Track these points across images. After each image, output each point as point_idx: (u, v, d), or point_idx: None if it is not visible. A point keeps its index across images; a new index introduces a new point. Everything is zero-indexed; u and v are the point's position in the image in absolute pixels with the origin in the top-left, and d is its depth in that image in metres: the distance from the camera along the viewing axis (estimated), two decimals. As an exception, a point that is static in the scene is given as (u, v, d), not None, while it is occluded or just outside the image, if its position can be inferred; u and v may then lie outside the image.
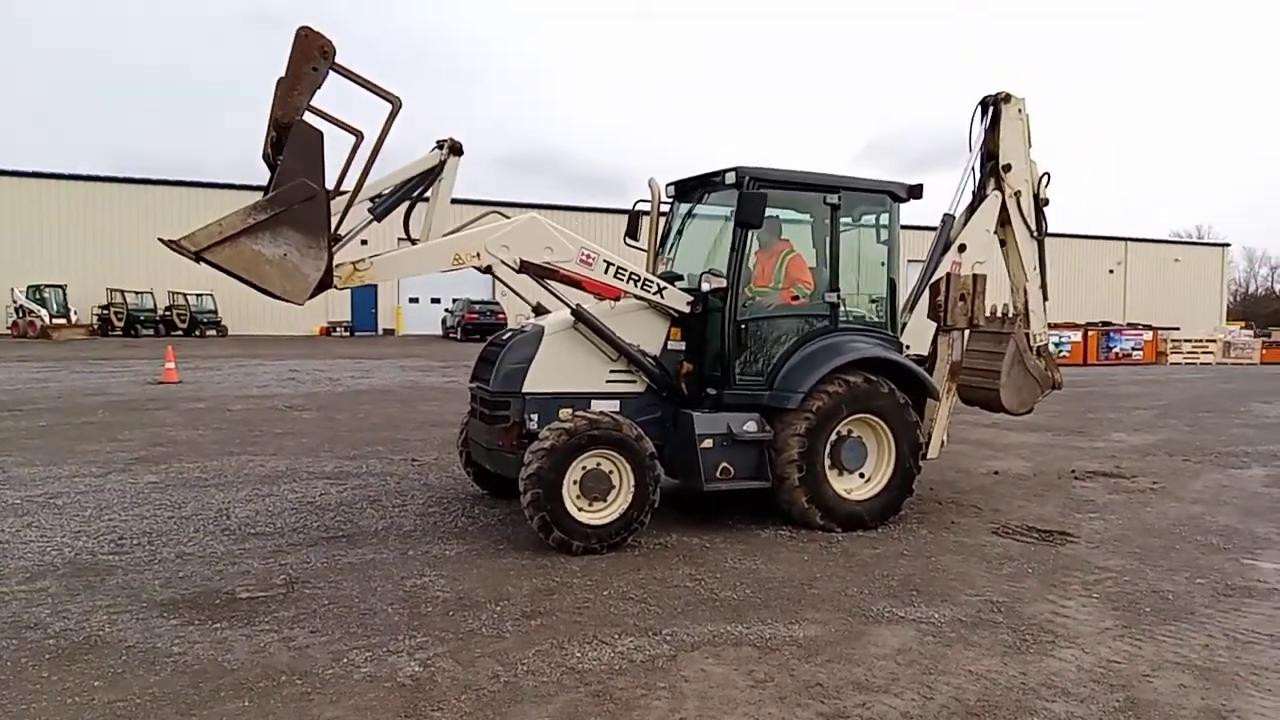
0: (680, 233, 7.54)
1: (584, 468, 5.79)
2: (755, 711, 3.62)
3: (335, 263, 5.39)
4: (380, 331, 44.98)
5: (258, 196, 5.07)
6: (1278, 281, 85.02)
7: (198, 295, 38.53)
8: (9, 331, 35.84)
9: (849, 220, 7.20)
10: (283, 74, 4.87)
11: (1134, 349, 32.37)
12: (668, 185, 7.38)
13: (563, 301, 6.31)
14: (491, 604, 4.80)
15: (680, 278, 6.96)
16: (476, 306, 38.31)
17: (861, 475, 6.75)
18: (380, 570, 5.36)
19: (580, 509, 5.78)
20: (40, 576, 5.16)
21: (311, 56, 4.81)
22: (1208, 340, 34.68)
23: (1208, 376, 25.90)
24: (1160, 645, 4.44)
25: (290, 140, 4.84)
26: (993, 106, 7.66)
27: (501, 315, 35.77)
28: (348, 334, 43.00)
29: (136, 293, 38.12)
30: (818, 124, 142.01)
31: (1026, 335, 8.01)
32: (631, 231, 7.44)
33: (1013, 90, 7.64)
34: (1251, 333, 37.58)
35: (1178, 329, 37.51)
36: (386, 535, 6.17)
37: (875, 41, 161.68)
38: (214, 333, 38.69)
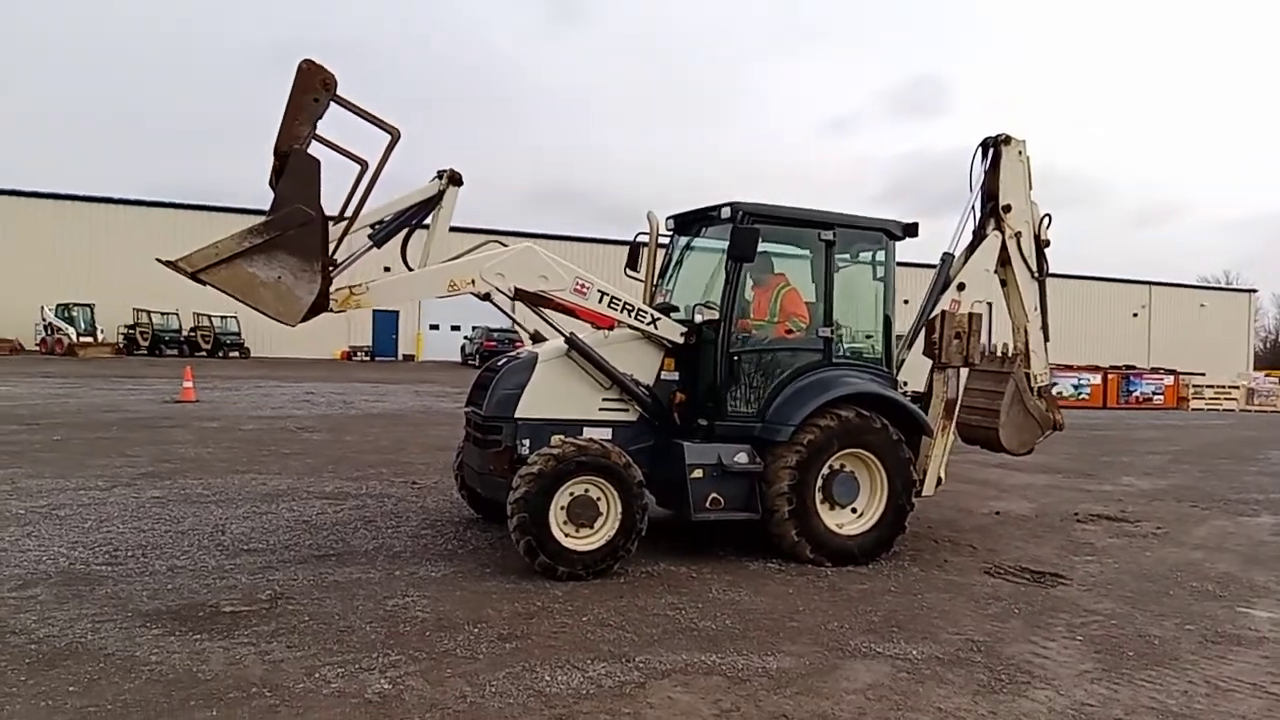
0: (679, 265, 7.64)
1: (571, 494, 5.82)
2: (716, 740, 3.62)
3: (334, 287, 5.53)
4: (400, 357, 45.41)
5: None
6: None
7: (222, 317, 39.14)
8: (38, 348, 36.55)
9: (846, 257, 7.26)
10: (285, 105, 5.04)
11: (1155, 393, 31.99)
12: (667, 218, 7.50)
13: (557, 330, 6.40)
14: (469, 626, 4.83)
15: (676, 309, 7.04)
16: (495, 334, 38.61)
17: (854, 510, 6.73)
18: (364, 589, 5.42)
19: (567, 535, 5.81)
20: (32, 584, 5.26)
21: (312, 88, 4.98)
22: (1230, 387, 34.19)
23: (1229, 423, 25.53)
24: (1138, 690, 4.38)
25: (289, 168, 5.00)
26: (993, 148, 7.73)
27: (519, 344, 36.01)
28: (368, 359, 43.44)
29: (162, 313, 38.79)
30: (842, 161, 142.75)
31: (1027, 375, 8.00)
32: (632, 263, 7.54)
33: (1013, 132, 7.71)
34: (1276, 380, 36.90)
35: (1203, 374, 37.06)
36: (375, 555, 6.24)
37: (901, 82, 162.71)
38: (237, 354, 39.25)
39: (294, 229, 4.97)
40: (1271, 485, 12.15)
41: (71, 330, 36.20)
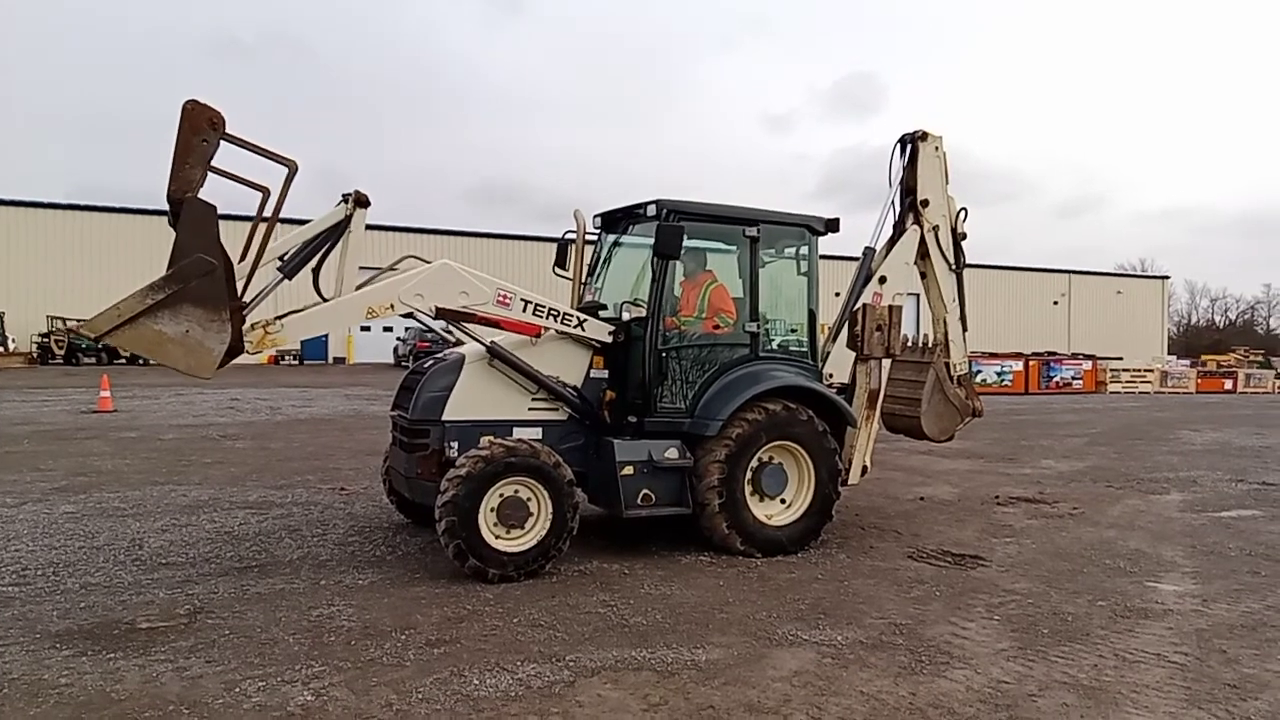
0: (607, 263, 7.64)
1: (501, 495, 5.79)
2: (644, 735, 3.65)
3: (246, 326, 5.37)
4: (330, 360, 44.46)
5: None
6: (1217, 313, 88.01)
7: (143, 323, 37.76)
8: (-57, 359, 34.79)
9: (771, 252, 7.37)
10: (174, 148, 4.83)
11: (1074, 378, 33.15)
12: (595, 216, 7.50)
13: (477, 340, 6.34)
14: (397, 633, 4.77)
15: (605, 307, 7.04)
16: (428, 334, 38.02)
17: (782, 501, 6.84)
18: (288, 600, 5.30)
19: (497, 536, 5.78)
20: (-69, 610, 5.02)
21: (200, 129, 4.78)
22: (1146, 370, 35.67)
23: (1144, 405, 26.62)
24: (1051, 666, 4.56)
25: (184, 216, 4.80)
26: (911, 144, 7.91)
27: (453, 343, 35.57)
28: (296, 362, 42.42)
29: (79, 320, 37.26)
30: (781, 157, 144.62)
31: (947, 365, 8.22)
32: (560, 261, 7.53)
33: (930, 129, 7.91)
34: (1187, 363, 38.65)
35: (1120, 359, 38.58)
36: (300, 565, 6.11)
37: (838, 80, 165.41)
38: (159, 361, 37.90)
39: (196, 279, 4.80)
40: (1181, 464, 12.72)
41: (-21, 340, 34.58)
